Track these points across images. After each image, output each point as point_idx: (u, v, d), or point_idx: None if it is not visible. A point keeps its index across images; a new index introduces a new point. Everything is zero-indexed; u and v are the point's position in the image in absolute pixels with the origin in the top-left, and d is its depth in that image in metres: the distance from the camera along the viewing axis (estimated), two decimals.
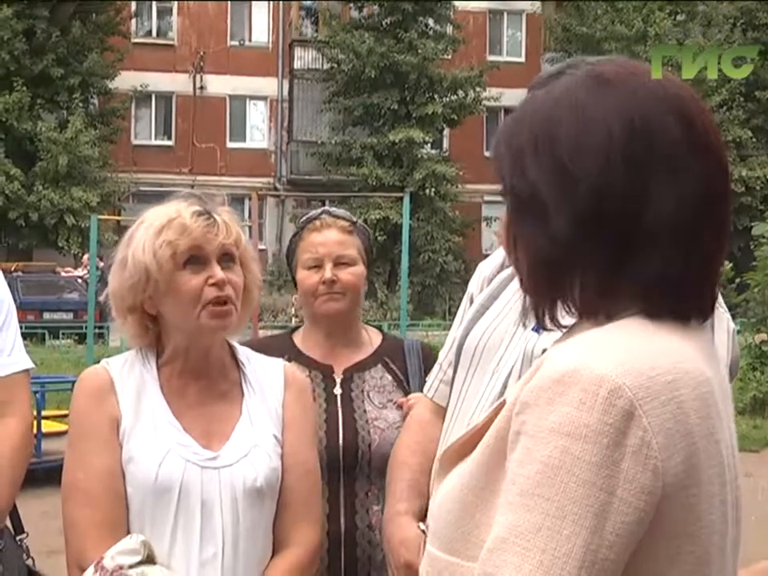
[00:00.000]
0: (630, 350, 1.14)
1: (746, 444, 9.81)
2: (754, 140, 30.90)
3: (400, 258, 15.64)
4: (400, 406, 2.58)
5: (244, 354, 2.23)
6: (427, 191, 28.51)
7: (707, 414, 1.15)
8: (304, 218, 2.74)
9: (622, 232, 1.18)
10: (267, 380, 2.20)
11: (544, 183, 1.21)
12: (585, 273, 1.21)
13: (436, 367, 2.34)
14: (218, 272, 2.05)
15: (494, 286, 2.21)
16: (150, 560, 1.93)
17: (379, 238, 28.13)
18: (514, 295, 2.12)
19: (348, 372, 2.65)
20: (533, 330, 2.00)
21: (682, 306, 1.21)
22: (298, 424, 2.18)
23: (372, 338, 2.74)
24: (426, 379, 2.38)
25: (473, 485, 1.22)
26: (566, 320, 1.29)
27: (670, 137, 1.19)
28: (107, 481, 2.01)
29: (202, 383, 2.13)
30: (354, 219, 2.73)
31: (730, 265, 13.08)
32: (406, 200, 13.54)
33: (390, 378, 2.64)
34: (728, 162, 1.26)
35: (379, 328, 2.87)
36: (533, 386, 1.14)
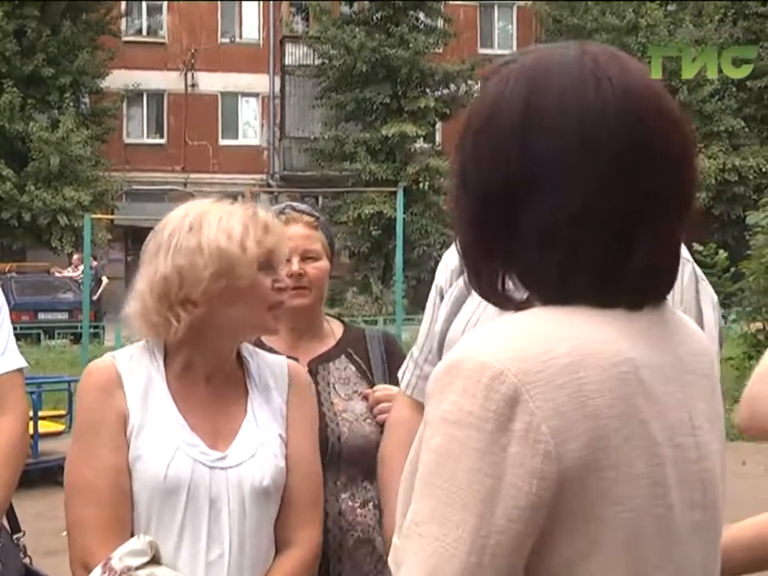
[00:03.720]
0: (526, 336, 1.14)
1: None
2: (746, 129, 30.95)
3: (394, 252, 15.67)
4: (365, 398, 2.59)
5: (247, 350, 2.21)
6: (421, 185, 28.51)
7: (623, 395, 1.14)
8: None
9: (506, 227, 1.20)
10: (272, 378, 2.18)
11: (454, 176, 1.25)
12: (484, 262, 1.25)
13: (411, 364, 2.29)
14: (284, 276, 2.11)
15: None
16: (155, 561, 1.91)
17: (373, 232, 28.17)
18: None
19: (313, 364, 2.64)
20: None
21: (577, 296, 1.18)
22: (302, 424, 2.17)
23: (334, 330, 2.74)
24: (401, 375, 2.34)
25: (411, 474, 1.23)
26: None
27: (558, 130, 1.17)
28: (114, 479, 1.98)
29: (209, 381, 2.11)
30: (317, 214, 2.73)
31: (725, 254, 13.12)
32: (400, 194, 13.55)
33: (353, 368, 2.65)
34: (650, 158, 1.20)
35: (341, 319, 2.86)
36: (431, 376, 1.18)
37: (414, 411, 2.24)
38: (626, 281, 1.20)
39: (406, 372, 2.31)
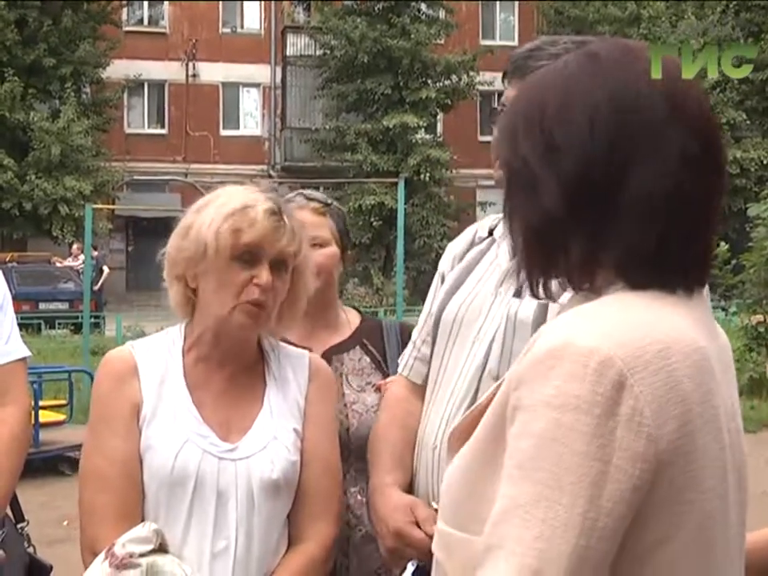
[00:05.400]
0: (620, 322, 1.18)
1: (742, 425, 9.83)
2: (747, 122, 30.86)
3: (395, 243, 15.63)
4: (378, 389, 2.55)
5: (269, 343, 2.21)
6: (422, 176, 28.49)
7: (701, 381, 1.18)
8: None
9: (606, 204, 1.23)
10: (291, 371, 2.18)
11: (533, 157, 1.26)
12: (572, 245, 1.25)
13: (410, 346, 2.33)
14: (266, 276, 2.02)
15: (467, 261, 2.24)
16: (162, 549, 1.92)
17: (374, 223, 28.12)
18: (489, 266, 2.15)
19: (326, 354, 2.60)
20: (513, 295, 2.03)
21: (664, 277, 1.25)
22: (321, 419, 2.16)
23: (350, 320, 2.71)
24: (400, 359, 2.37)
25: (477, 461, 1.26)
26: (557, 292, 1.34)
27: (654, 113, 1.24)
28: (125, 468, 2.01)
29: (226, 372, 2.11)
30: (329, 201, 2.71)
31: (726, 246, 13.10)
32: (401, 185, 13.50)
33: (368, 360, 2.62)
34: (717, 142, 1.30)
35: (357, 309, 2.84)
36: (526, 361, 1.19)
37: (409, 392, 2.28)
38: (697, 263, 1.28)
39: (405, 353, 2.35)
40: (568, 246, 1.25)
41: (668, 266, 1.25)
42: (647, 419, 1.12)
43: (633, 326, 1.17)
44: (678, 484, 1.15)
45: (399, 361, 2.38)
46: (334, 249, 2.64)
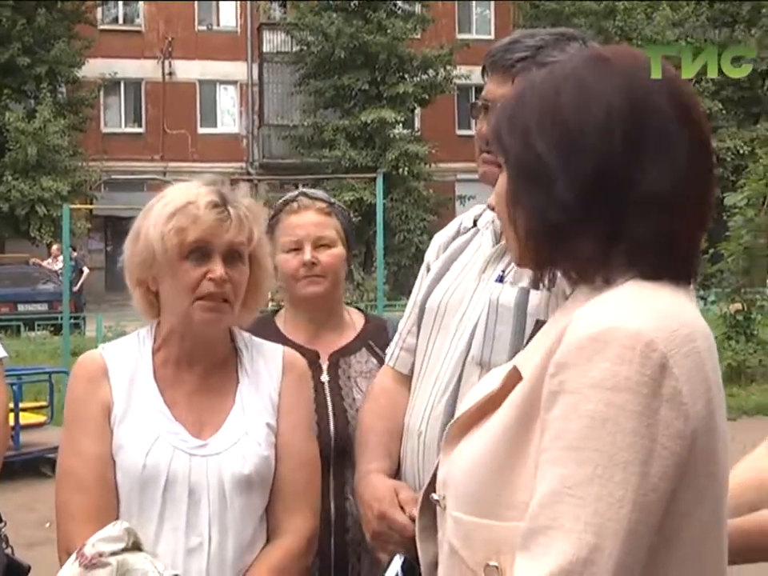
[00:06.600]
0: (647, 308, 1.24)
1: None
2: (723, 111, 31.00)
3: (375, 239, 15.63)
4: None
5: (242, 339, 2.21)
6: (400, 171, 28.48)
7: (714, 365, 1.27)
8: (281, 200, 2.70)
9: (620, 199, 1.29)
10: (264, 366, 2.18)
11: (550, 155, 1.31)
12: (585, 237, 1.30)
13: (396, 337, 2.33)
14: (219, 269, 2.02)
15: (452, 251, 2.25)
16: (135, 547, 1.92)
17: (354, 219, 28.07)
18: (473, 255, 2.17)
19: (334, 357, 2.60)
20: (495, 281, 2.04)
21: (674, 268, 1.32)
22: (294, 413, 2.16)
23: (355, 321, 2.70)
24: (387, 350, 2.36)
25: (501, 448, 1.30)
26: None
27: (664, 114, 1.32)
28: (98, 467, 2.02)
29: (196, 371, 2.12)
30: (332, 200, 2.70)
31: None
32: (380, 180, 13.47)
33: (375, 361, 2.60)
34: (710, 140, 1.39)
35: (361, 309, 2.83)
36: (567, 347, 1.22)
37: (395, 382, 2.28)
38: (696, 255, 1.37)
39: (392, 344, 2.34)
40: (580, 240, 1.30)
41: (678, 259, 1.32)
42: (685, 398, 1.19)
43: (659, 311, 1.23)
44: (702, 459, 1.22)
45: (387, 351, 2.37)
46: (340, 249, 2.62)
